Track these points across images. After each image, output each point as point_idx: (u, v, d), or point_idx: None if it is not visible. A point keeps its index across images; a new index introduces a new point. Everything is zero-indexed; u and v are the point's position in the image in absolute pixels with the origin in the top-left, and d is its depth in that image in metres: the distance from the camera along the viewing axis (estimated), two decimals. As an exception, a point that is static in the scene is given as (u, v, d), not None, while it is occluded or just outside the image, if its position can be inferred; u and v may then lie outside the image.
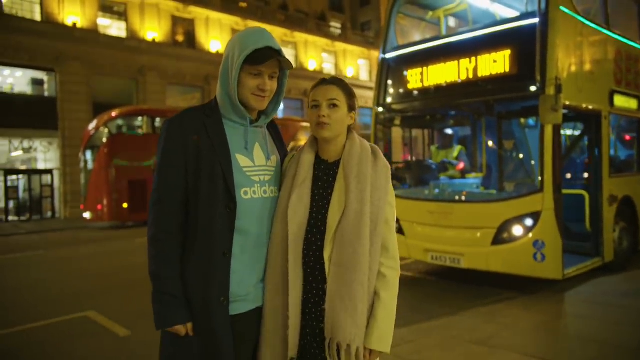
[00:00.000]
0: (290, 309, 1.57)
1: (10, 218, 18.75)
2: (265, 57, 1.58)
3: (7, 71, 19.03)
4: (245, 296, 1.60)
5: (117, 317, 5.17)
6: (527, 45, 5.14)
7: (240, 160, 1.63)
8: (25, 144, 20.03)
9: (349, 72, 32.33)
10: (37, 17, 19.32)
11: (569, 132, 7.56)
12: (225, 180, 1.56)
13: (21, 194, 19.49)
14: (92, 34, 20.20)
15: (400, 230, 6.11)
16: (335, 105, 1.65)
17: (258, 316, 1.65)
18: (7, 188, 18.87)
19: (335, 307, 1.52)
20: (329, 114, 1.63)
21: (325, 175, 1.68)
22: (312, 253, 1.60)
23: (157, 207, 1.59)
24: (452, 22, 8.26)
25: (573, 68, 5.49)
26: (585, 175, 6.31)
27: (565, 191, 5.24)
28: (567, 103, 5.12)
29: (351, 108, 1.70)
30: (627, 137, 8.00)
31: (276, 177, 1.72)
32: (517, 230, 5.15)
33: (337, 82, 1.71)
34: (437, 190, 6.53)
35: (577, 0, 5.63)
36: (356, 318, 1.52)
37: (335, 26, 33.13)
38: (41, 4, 19.39)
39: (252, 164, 1.65)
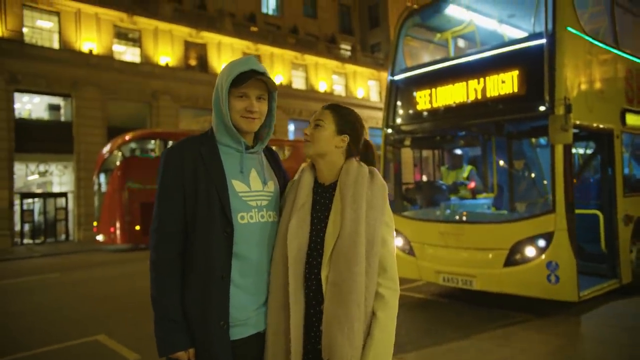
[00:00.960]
0: (292, 332, 1.57)
1: (26, 241, 18.99)
2: (247, 77, 1.65)
3: (25, 97, 19.54)
4: (245, 320, 1.61)
5: (127, 340, 5.16)
6: (535, 66, 5.15)
7: (236, 185, 1.66)
8: (42, 167, 20.42)
9: (359, 93, 32.59)
10: (56, 45, 19.92)
11: (581, 151, 7.49)
12: (222, 205, 1.60)
13: (36, 217, 19.76)
14: (107, 60, 20.73)
15: (411, 252, 6.06)
16: (318, 125, 1.71)
17: (259, 341, 1.66)
18: (22, 211, 19.16)
19: (331, 328, 1.52)
20: (311, 132, 1.71)
21: (323, 198, 1.70)
22: (314, 276, 1.62)
23: (157, 234, 1.63)
24: (460, 43, 8.33)
25: (583, 87, 5.47)
26: (599, 195, 6.21)
27: (578, 211, 5.16)
28: (578, 122, 5.09)
29: (342, 131, 1.72)
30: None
31: (274, 202, 1.75)
32: (529, 251, 5.07)
33: (331, 106, 1.78)
34: (448, 211, 6.48)
35: (585, 20, 5.65)
36: (352, 339, 1.51)
37: (345, 48, 33.56)
38: (59, 32, 20.01)
39: (248, 189, 1.68)
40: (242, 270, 1.62)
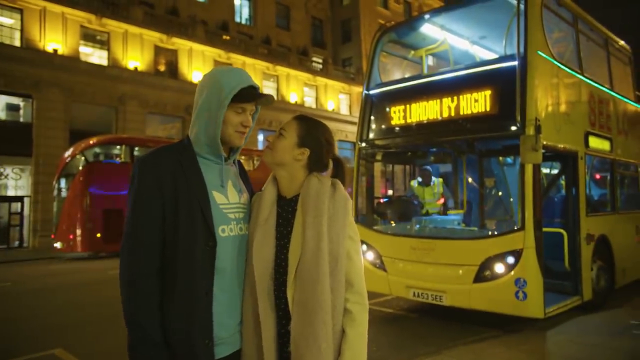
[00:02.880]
0: (265, 351, 1.52)
1: (-25, 247, 17.98)
2: (253, 95, 1.63)
3: (-19, 96, 18.65)
4: (227, 338, 1.55)
5: (86, 355, 4.91)
6: (507, 87, 5.30)
7: (217, 197, 1.61)
8: (-4, 170, 19.43)
9: (329, 106, 32.83)
10: (17, 42, 19.15)
11: (546, 170, 7.75)
12: (204, 217, 1.53)
13: (-12, 221, 18.78)
14: (72, 62, 20.09)
15: (381, 266, 6.07)
16: (281, 135, 1.68)
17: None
18: (-27, 215, 18.17)
19: (299, 349, 1.47)
20: (273, 140, 1.69)
21: (285, 211, 1.64)
22: (282, 294, 1.56)
23: (132, 249, 1.51)
24: (431, 61, 8.51)
25: (550, 109, 5.67)
26: (563, 213, 6.41)
27: (544, 229, 5.30)
28: (545, 143, 5.25)
29: (302, 144, 1.65)
30: (599, 177, 8.24)
31: (248, 215, 1.70)
32: (498, 268, 5.16)
33: (299, 117, 1.74)
34: (418, 226, 6.54)
35: (551, 44, 5.88)
36: (320, 358, 1.46)
37: (317, 61, 33.82)
38: (22, 30, 19.26)
39: (227, 201, 1.64)
40: (223, 285, 1.55)
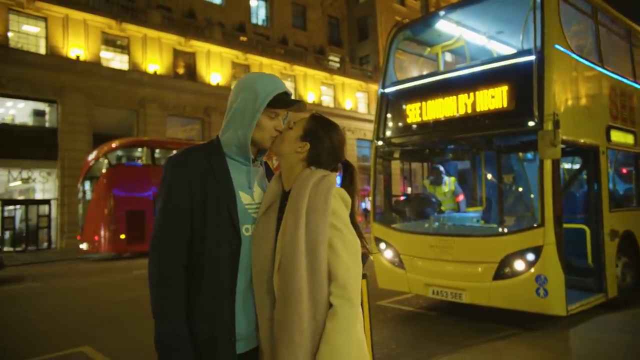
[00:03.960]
0: (261, 343, 1.57)
1: (6, 249, 18.55)
2: (287, 102, 1.70)
3: (9, 102, 19.24)
4: (245, 335, 1.60)
5: (112, 353, 5.05)
6: (525, 82, 5.24)
7: (243, 197, 1.66)
8: (24, 174, 20.03)
9: (347, 104, 32.79)
10: (42, 50, 19.69)
11: (567, 166, 7.62)
12: (231, 217, 1.59)
13: (18, 224, 19.36)
14: (94, 67, 20.55)
15: (400, 264, 6.07)
16: (290, 127, 1.70)
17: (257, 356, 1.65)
18: (3, 218, 18.76)
19: (276, 335, 1.49)
20: (282, 130, 1.73)
21: (283, 205, 1.64)
22: None
23: (162, 248, 1.56)
24: (448, 57, 8.44)
25: (570, 104, 5.58)
26: (585, 209, 6.31)
27: (565, 225, 5.22)
28: (565, 138, 5.17)
29: (305, 138, 1.66)
30: (625, 171, 8.05)
31: None
32: (518, 265, 5.11)
33: (313, 115, 1.76)
34: (437, 224, 6.51)
35: (570, 37, 5.78)
36: (293, 348, 1.44)
37: (334, 60, 33.79)
38: (46, 38, 19.80)
39: (253, 201, 1.68)
40: (242, 283, 1.60)
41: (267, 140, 1.70)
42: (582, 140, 5.73)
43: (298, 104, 1.73)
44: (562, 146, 5.05)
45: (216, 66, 25.47)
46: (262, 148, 1.74)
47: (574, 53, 5.74)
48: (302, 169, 1.64)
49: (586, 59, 6.08)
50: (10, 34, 18.95)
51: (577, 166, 7.16)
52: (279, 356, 1.46)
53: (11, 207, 19.63)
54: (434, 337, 5.22)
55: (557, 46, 5.33)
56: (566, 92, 5.54)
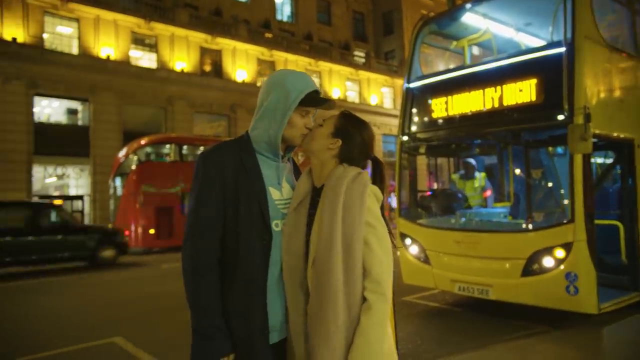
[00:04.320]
0: (292, 337, 1.59)
1: (42, 243, 19.23)
2: (317, 100, 1.71)
3: (45, 102, 19.92)
4: (275, 326, 1.63)
5: (144, 344, 5.20)
6: (554, 75, 5.11)
7: (273, 193, 1.68)
8: (59, 170, 20.75)
9: (372, 100, 32.61)
10: (75, 50, 20.29)
11: (600, 160, 7.40)
12: (262, 212, 1.62)
13: (53, 219, 20.04)
14: (124, 65, 21.05)
15: (426, 260, 6.03)
16: (320, 124, 1.72)
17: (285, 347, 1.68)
18: (40, 213, 19.44)
19: (311, 329, 1.52)
20: (312, 127, 1.74)
21: (314, 201, 1.67)
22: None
23: (195, 241, 1.59)
24: (475, 50, 8.29)
25: (602, 96, 5.41)
26: (619, 205, 6.11)
27: (598, 221, 5.09)
28: (597, 132, 5.03)
29: (336, 135, 1.67)
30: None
31: None
32: (547, 261, 5.01)
33: (342, 112, 1.77)
34: (463, 219, 6.43)
35: (604, 28, 5.60)
36: (328, 342, 1.47)
37: (359, 55, 33.64)
38: (79, 38, 20.38)
39: (282, 197, 1.71)
40: (273, 277, 1.63)
41: (298, 138, 1.72)
42: (615, 134, 5.55)
43: (328, 103, 1.75)
44: (594, 140, 4.92)
45: (242, 63, 25.72)
46: (292, 145, 1.77)
47: (607, 44, 5.56)
48: (335, 166, 1.67)
49: (621, 50, 5.88)
50: (45, 36, 19.59)
51: (610, 160, 6.94)
52: (314, 348, 1.49)
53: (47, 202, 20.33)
54: (460, 334, 5.17)
55: (588, 37, 5.18)
56: (598, 85, 5.38)
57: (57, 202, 12.84)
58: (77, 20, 20.41)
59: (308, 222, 1.64)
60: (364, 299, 1.51)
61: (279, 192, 1.71)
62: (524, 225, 5.65)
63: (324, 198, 1.60)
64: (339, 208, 1.55)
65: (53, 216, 11.78)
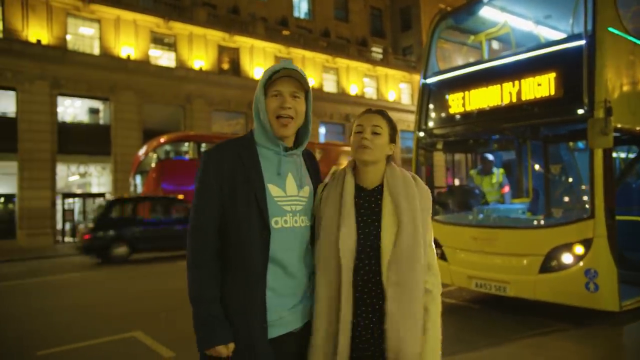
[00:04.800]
0: (341, 335, 1.61)
1: (66, 239, 19.73)
2: (279, 75, 1.69)
3: (68, 101, 20.37)
4: (276, 321, 1.64)
5: (162, 338, 5.29)
6: (574, 68, 5.00)
7: (272, 190, 1.68)
8: (82, 169, 21.21)
9: (390, 96, 32.41)
10: (96, 51, 20.68)
11: (622, 155, 7.22)
12: (260, 209, 1.63)
13: (76, 216, 20.52)
14: (143, 65, 21.37)
15: (442, 256, 5.98)
16: (377, 133, 1.74)
17: (291, 340, 1.69)
18: (64, 211, 19.93)
19: (398, 327, 1.59)
20: (371, 138, 1.72)
21: (367, 202, 1.72)
22: (360, 279, 1.65)
23: (194, 235, 1.66)
24: (494, 45, 8.18)
25: (625, 90, 5.28)
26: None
27: (620, 217, 4.98)
28: (619, 126, 4.92)
29: (392, 139, 1.78)
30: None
31: (307, 208, 1.76)
32: (566, 258, 4.92)
33: (382, 113, 1.82)
34: (481, 216, 6.37)
35: (628, 19, 5.46)
36: (418, 335, 1.63)
37: (377, 51, 33.44)
38: (100, 39, 20.76)
39: (284, 194, 1.70)
40: (275, 273, 1.65)
41: (275, 123, 1.69)
42: (638, 128, 5.41)
43: (284, 71, 1.68)
44: (617, 134, 4.80)
45: (259, 61, 25.84)
46: (281, 135, 1.71)
47: (631, 35, 5.42)
48: (388, 166, 1.79)
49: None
50: (68, 37, 20.01)
51: (633, 155, 6.77)
52: (407, 343, 1.60)
53: (70, 200, 20.81)
54: (477, 330, 5.13)
55: (610, 29, 5.05)
56: (621, 78, 5.25)
57: (180, 196, 14.13)
58: (98, 21, 20.78)
59: (361, 221, 1.71)
60: (426, 291, 1.70)
61: (281, 189, 1.70)
62: (542, 221, 5.56)
63: (396, 197, 1.70)
64: (418, 211, 1.69)
65: (179, 208, 13.80)
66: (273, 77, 1.69)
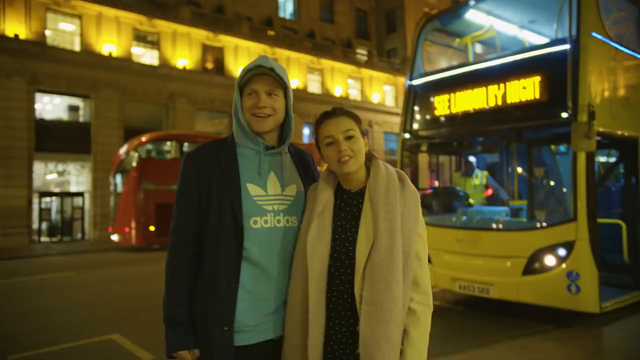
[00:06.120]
0: (310, 351, 1.49)
1: (43, 239, 19.27)
2: (252, 73, 1.64)
3: (46, 98, 19.89)
4: (254, 327, 1.58)
5: (141, 341, 5.17)
6: (558, 72, 5.06)
7: (252, 189, 1.63)
8: (60, 167, 20.74)
9: (374, 97, 32.52)
10: (77, 47, 20.25)
11: (602, 159, 7.34)
12: (233, 209, 1.58)
13: (54, 215, 20.06)
14: (126, 62, 21.00)
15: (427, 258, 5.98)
16: (351, 137, 1.57)
17: (271, 348, 1.61)
18: (41, 210, 19.46)
19: (372, 351, 1.42)
20: (349, 146, 1.55)
21: (348, 205, 1.59)
22: (336, 289, 1.52)
23: (172, 237, 1.66)
24: (479, 48, 8.24)
25: (607, 94, 5.36)
26: (622, 204, 6.06)
27: (600, 220, 5.04)
28: (601, 130, 4.98)
29: (363, 134, 1.62)
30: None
31: (294, 207, 1.69)
32: (549, 260, 4.97)
33: (344, 112, 1.64)
34: (464, 218, 6.39)
35: (609, 25, 5.54)
36: (390, 354, 1.42)
37: (362, 53, 33.54)
38: (81, 35, 20.35)
39: (264, 193, 1.65)
40: (254, 275, 1.59)
41: (251, 120, 1.65)
42: (619, 132, 5.50)
43: (258, 69, 1.63)
44: (598, 138, 4.86)
45: (244, 60, 25.65)
46: (260, 131, 1.67)
47: (613, 41, 5.50)
48: (373, 164, 1.62)
49: (626, 47, 5.82)
50: (47, 32, 19.55)
51: (613, 159, 6.88)
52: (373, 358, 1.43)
53: (48, 199, 20.32)
54: (461, 332, 5.13)
55: (594, 34, 5.12)
56: (603, 82, 5.33)
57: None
58: (79, 16, 20.35)
59: (338, 225, 1.57)
60: (410, 310, 1.50)
61: (260, 188, 1.65)
62: (525, 224, 5.61)
63: (375, 204, 1.52)
64: (398, 218, 1.50)
65: None
66: (248, 75, 1.64)
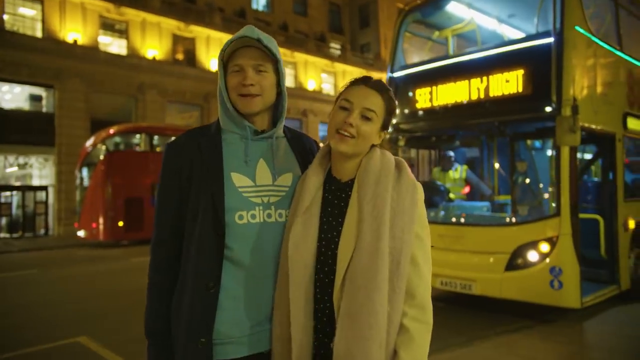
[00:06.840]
0: (294, 356, 1.27)
1: (2, 235, 18.38)
2: (237, 46, 1.42)
3: (5, 87, 18.91)
4: (239, 338, 1.35)
5: (109, 343, 4.88)
6: (542, 65, 5.01)
7: (237, 179, 1.40)
8: (21, 160, 19.76)
9: (348, 92, 32.47)
10: (39, 33, 19.31)
11: (579, 154, 7.41)
12: (214, 202, 1.35)
13: (14, 210, 19.16)
14: (92, 51, 20.18)
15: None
16: (368, 118, 1.33)
17: None
18: (0, 204, 18.55)
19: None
20: (358, 124, 1.31)
21: (337, 198, 1.36)
22: (321, 298, 1.30)
23: (154, 236, 1.47)
24: (459, 42, 8.18)
25: (588, 89, 5.36)
26: (599, 199, 6.12)
27: (580, 216, 5.05)
28: (585, 125, 4.97)
29: (384, 126, 1.39)
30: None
31: (288, 199, 1.44)
32: (532, 255, 4.94)
33: (382, 88, 1.38)
34: (444, 213, 6.33)
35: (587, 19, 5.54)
36: None
37: (335, 47, 33.41)
38: (43, 21, 19.40)
39: (252, 184, 1.42)
40: (239, 279, 1.35)
41: (237, 100, 1.43)
42: (599, 127, 5.52)
43: (243, 39, 1.41)
44: (582, 133, 4.85)
45: (216, 52, 25.05)
46: (243, 112, 1.45)
47: (595, 36, 5.51)
48: (368, 152, 1.38)
49: (606, 43, 5.85)
50: (5, 17, 18.54)
51: (591, 154, 6.95)
52: None
53: (7, 193, 19.38)
54: (445, 329, 5.03)
55: (577, 28, 5.10)
56: (585, 77, 5.32)
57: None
58: (40, 1, 19.39)
59: (325, 222, 1.34)
60: (402, 328, 1.24)
61: (248, 178, 1.42)
62: (508, 219, 5.57)
63: (362, 198, 1.28)
64: (387, 215, 1.25)
65: None
66: (231, 48, 1.41)
